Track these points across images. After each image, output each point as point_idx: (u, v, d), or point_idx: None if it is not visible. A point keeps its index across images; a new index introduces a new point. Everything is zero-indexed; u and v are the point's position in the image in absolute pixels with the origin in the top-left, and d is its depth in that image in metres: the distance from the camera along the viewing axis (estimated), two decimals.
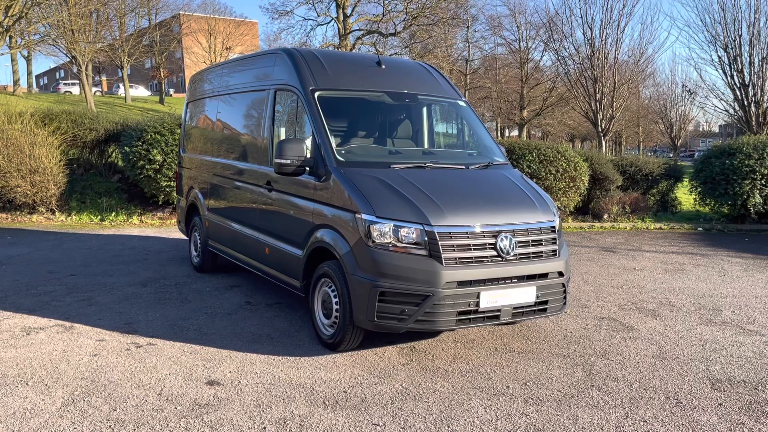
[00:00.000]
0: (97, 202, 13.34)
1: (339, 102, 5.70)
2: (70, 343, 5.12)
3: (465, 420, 3.88)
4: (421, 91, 6.18)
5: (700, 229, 13.37)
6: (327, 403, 4.07)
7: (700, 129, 76.02)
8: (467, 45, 41.85)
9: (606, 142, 28.02)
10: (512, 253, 4.70)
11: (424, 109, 6.46)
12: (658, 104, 45.46)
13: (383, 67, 6.10)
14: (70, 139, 13.56)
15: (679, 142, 45.96)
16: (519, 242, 4.77)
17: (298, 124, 5.65)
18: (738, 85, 22.84)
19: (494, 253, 4.65)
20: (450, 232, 4.56)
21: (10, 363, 4.67)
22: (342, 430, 3.71)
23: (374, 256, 4.51)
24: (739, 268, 8.92)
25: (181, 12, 54.52)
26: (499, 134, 47.39)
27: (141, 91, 58.81)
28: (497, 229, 4.71)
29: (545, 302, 4.90)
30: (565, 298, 5.06)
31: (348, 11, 33.83)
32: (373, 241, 4.53)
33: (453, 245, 4.54)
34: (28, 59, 48.18)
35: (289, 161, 5.13)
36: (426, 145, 6.40)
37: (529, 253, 4.82)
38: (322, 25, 35.99)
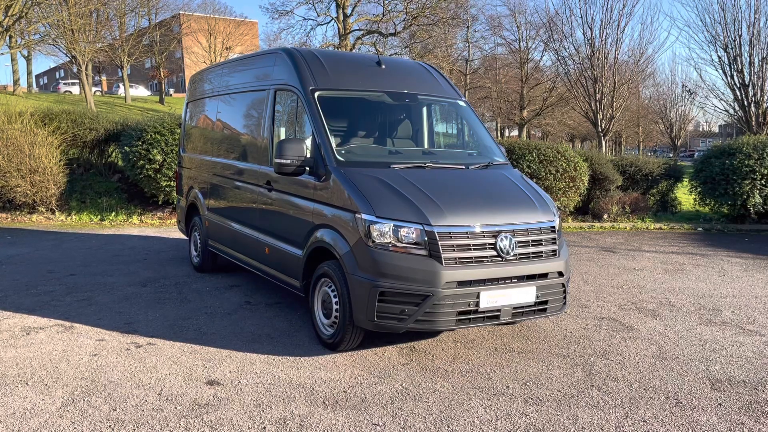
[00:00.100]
0: (96, 201, 13.34)
1: (339, 102, 5.70)
2: (69, 343, 5.12)
3: (465, 420, 3.88)
4: (421, 91, 6.18)
5: (700, 229, 13.37)
6: (327, 403, 4.07)
7: (700, 129, 76.06)
8: (467, 45, 41.89)
9: (606, 142, 28.02)
10: (512, 253, 4.70)
11: (424, 109, 6.46)
12: (658, 104, 45.47)
13: (383, 67, 6.10)
14: (70, 138, 13.56)
15: (679, 142, 45.97)
16: (519, 242, 4.77)
17: (298, 123, 5.65)
18: (738, 85, 22.84)
19: (494, 253, 4.65)
20: (450, 232, 4.56)
21: (9, 363, 4.67)
22: (342, 430, 3.71)
23: (374, 256, 4.51)
24: (739, 268, 8.92)
25: (181, 12, 54.52)
26: (499, 134, 47.40)
27: (141, 91, 58.82)
28: (497, 229, 4.71)
29: (545, 302, 4.90)
30: (565, 298, 5.06)
31: (348, 11, 33.83)
32: (373, 241, 4.53)
33: (453, 245, 4.54)
34: (28, 59, 48.19)
35: (289, 161, 5.13)
36: (426, 145, 6.40)
37: (528, 253, 4.82)
38: (322, 25, 36.03)
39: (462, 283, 4.49)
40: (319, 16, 34.45)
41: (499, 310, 4.64)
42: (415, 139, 6.34)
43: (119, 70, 49.64)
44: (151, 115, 17.01)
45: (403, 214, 4.56)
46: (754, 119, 22.50)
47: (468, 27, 40.90)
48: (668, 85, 44.38)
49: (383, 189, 4.75)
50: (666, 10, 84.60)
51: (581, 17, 27.56)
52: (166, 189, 12.51)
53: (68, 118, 13.69)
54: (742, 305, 6.82)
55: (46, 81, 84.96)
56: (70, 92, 50.99)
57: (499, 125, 47.25)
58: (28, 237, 10.54)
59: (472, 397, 4.22)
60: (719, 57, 23.22)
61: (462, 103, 6.43)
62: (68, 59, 38.95)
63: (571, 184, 13.33)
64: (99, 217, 12.60)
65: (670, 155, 47.37)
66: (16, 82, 44.84)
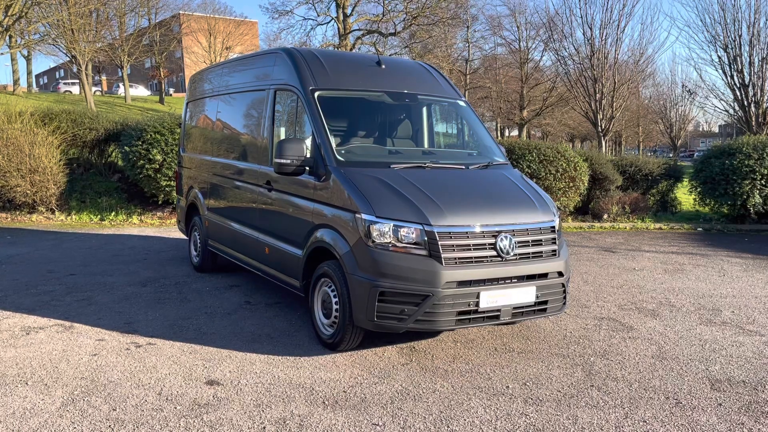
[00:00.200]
0: (96, 201, 13.34)
1: (339, 102, 5.70)
2: (69, 343, 5.12)
3: (465, 420, 3.88)
4: (421, 91, 6.18)
5: (700, 229, 13.37)
6: (327, 402, 4.07)
7: (700, 129, 76.07)
8: (467, 45, 41.89)
9: (606, 142, 28.02)
10: (512, 253, 4.70)
11: (424, 109, 6.46)
12: (658, 104, 45.46)
13: (383, 67, 6.10)
14: (70, 138, 13.56)
15: (679, 142, 45.96)
16: (519, 242, 4.77)
17: (298, 123, 5.65)
18: (738, 85, 22.83)
19: (494, 253, 4.65)
20: (450, 232, 4.56)
21: (9, 363, 4.67)
22: (342, 429, 3.71)
23: (374, 256, 4.51)
24: (738, 268, 8.92)
25: (180, 12, 54.52)
26: (499, 134, 47.40)
27: (141, 91, 58.82)
28: (497, 229, 4.71)
29: (545, 302, 4.90)
30: (564, 298, 5.06)
31: (348, 11, 33.82)
32: (373, 241, 4.53)
33: (453, 245, 4.54)
34: (27, 59, 48.18)
35: (288, 161, 5.13)
36: (426, 145, 6.40)
37: (528, 253, 4.82)
38: (322, 24, 36.02)
39: (462, 283, 4.49)
40: (319, 15, 34.46)
41: (499, 310, 4.64)
42: (415, 139, 6.34)
43: (119, 69, 49.64)
44: (151, 115, 17.01)
45: (403, 214, 4.56)
46: (754, 119, 22.50)
47: (468, 27, 40.93)
48: (668, 85, 44.43)
49: (383, 189, 4.75)
50: (666, 10, 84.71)
51: (581, 17, 27.60)
52: (166, 189, 12.51)
53: (68, 118, 13.68)
54: (741, 305, 6.82)
55: (46, 81, 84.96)
56: (70, 92, 50.99)
57: (499, 125, 47.25)
58: (28, 237, 10.54)
59: (471, 397, 4.22)
60: (719, 57, 23.24)
61: (462, 103, 6.43)
62: (68, 59, 38.95)
63: (571, 184, 13.33)
64: (99, 216, 12.60)
65: (670, 155, 47.36)
66: (16, 82, 44.84)
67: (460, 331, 5.60)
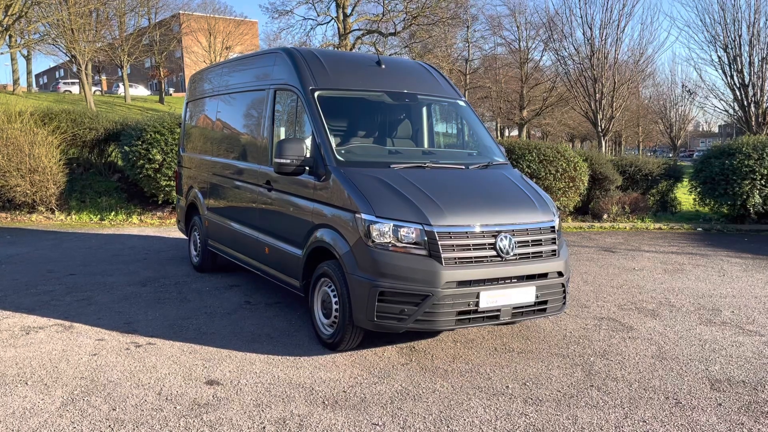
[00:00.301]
0: (96, 201, 13.34)
1: (339, 102, 5.70)
2: (69, 343, 5.12)
3: (464, 420, 3.88)
4: (421, 90, 6.18)
5: (700, 229, 13.37)
6: (326, 402, 4.07)
7: (700, 129, 76.07)
8: (467, 45, 41.88)
9: (606, 142, 28.02)
10: (512, 253, 4.70)
11: (424, 109, 6.46)
12: (658, 104, 45.45)
13: (383, 66, 6.10)
14: (70, 138, 13.56)
15: (679, 142, 45.95)
16: (518, 242, 4.77)
17: (297, 123, 5.65)
18: (738, 85, 22.83)
19: (494, 253, 4.65)
20: (450, 232, 4.56)
21: (9, 362, 4.67)
22: (341, 429, 3.71)
23: (374, 256, 4.51)
24: (738, 269, 8.92)
25: (180, 11, 54.49)
26: (498, 134, 47.41)
27: (141, 91, 58.81)
28: (497, 229, 4.71)
29: (545, 302, 4.90)
30: (564, 298, 5.06)
31: (348, 11, 33.81)
32: (373, 241, 4.53)
33: (453, 245, 4.54)
34: (27, 58, 48.18)
35: (288, 161, 5.13)
36: (426, 145, 6.40)
37: (528, 253, 4.82)
38: (322, 24, 35.99)
39: (462, 283, 4.49)
40: (319, 15, 34.44)
41: (498, 310, 4.64)
42: (414, 138, 6.34)
43: (119, 69, 49.63)
44: (151, 115, 17.01)
45: (403, 214, 4.56)
46: (753, 119, 22.50)
47: (468, 27, 40.92)
48: (668, 85, 44.41)
49: (383, 189, 4.75)
50: (666, 10, 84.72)
51: (581, 17, 27.60)
52: (166, 188, 12.51)
53: (68, 118, 13.68)
54: (741, 305, 6.82)
55: (45, 80, 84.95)
56: (70, 92, 50.98)
57: (499, 125, 47.25)
58: (28, 236, 10.54)
59: (471, 397, 4.22)
60: (719, 57, 23.24)
61: (462, 103, 6.43)
62: (68, 59, 38.94)
63: (571, 184, 13.33)
64: (99, 216, 12.60)
65: (670, 155, 47.36)
66: (15, 82, 44.83)
67: (460, 331, 5.60)
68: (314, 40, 37.85)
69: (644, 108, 48.30)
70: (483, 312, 4.59)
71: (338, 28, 33.87)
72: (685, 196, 15.50)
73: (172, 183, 12.17)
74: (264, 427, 3.72)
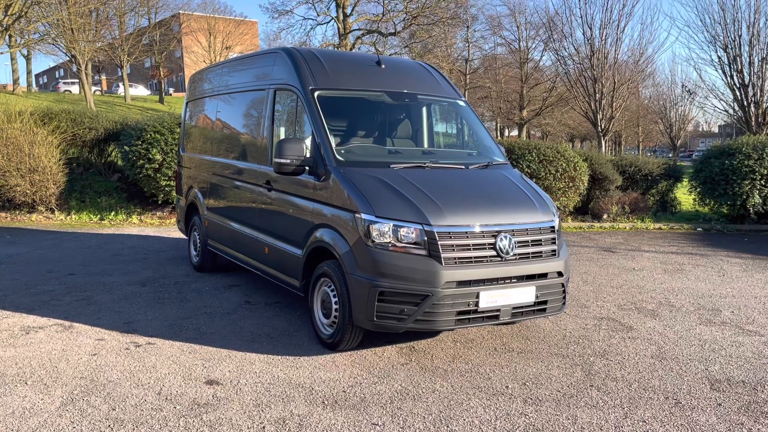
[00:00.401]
0: (96, 201, 13.34)
1: (339, 101, 5.70)
2: (69, 343, 5.12)
3: (464, 420, 3.88)
4: (421, 90, 6.18)
5: (700, 229, 13.38)
6: (326, 402, 4.07)
7: (700, 129, 76.04)
8: (467, 45, 41.88)
9: (605, 142, 28.02)
10: (512, 253, 4.70)
11: (424, 109, 6.46)
12: (658, 104, 45.42)
13: (383, 66, 6.09)
14: (70, 138, 13.56)
15: (679, 142, 45.92)
16: (518, 242, 4.77)
17: (297, 123, 5.65)
18: (737, 85, 22.83)
19: (494, 253, 4.65)
20: (449, 232, 4.56)
21: (9, 362, 4.67)
22: (341, 429, 3.71)
23: (374, 256, 4.51)
24: (738, 269, 8.92)
25: (180, 11, 54.47)
26: (498, 134, 47.41)
27: (140, 91, 58.78)
28: (497, 229, 4.71)
29: (544, 302, 4.90)
30: (564, 298, 5.06)
31: (348, 11, 33.81)
32: (373, 241, 4.53)
33: (452, 245, 4.54)
34: (27, 58, 48.16)
35: (288, 161, 5.13)
36: (426, 145, 6.40)
37: (528, 253, 4.82)
38: (321, 24, 35.99)
39: (461, 283, 4.49)
40: (318, 15, 34.44)
41: (498, 310, 4.64)
42: (414, 138, 6.34)
43: (119, 69, 49.61)
44: (151, 115, 17.01)
45: (403, 213, 4.56)
46: (753, 119, 22.49)
47: (468, 27, 40.92)
48: (668, 85, 44.35)
49: (383, 189, 4.75)
50: (666, 10, 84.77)
51: (581, 17, 27.58)
52: (166, 188, 12.51)
53: (68, 118, 13.68)
54: (741, 305, 6.82)
55: (45, 80, 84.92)
56: (70, 91, 50.97)
57: (498, 125, 47.25)
58: (28, 236, 10.53)
59: (471, 396, 4.22)
60: (719, 57, 23.21)
61: (462, 103, 6.43)
62: (68, 58, 38.93)
63: (571, 184, 13.33)
64: (98, 216, 12.60)
65: (670, 155, 47.35)
66: (15, 82, 44.81)
67: (460, 331, 5.60)
68: (314, 40, 37.90)
69: (644, 108, 48.29)
70: (483, 312, 4.59)
71: (338, 28, 33.87)
72: (684, 196, 15.50)
73: (172, 183, 12.17)
74: (264, 427, 3.72)
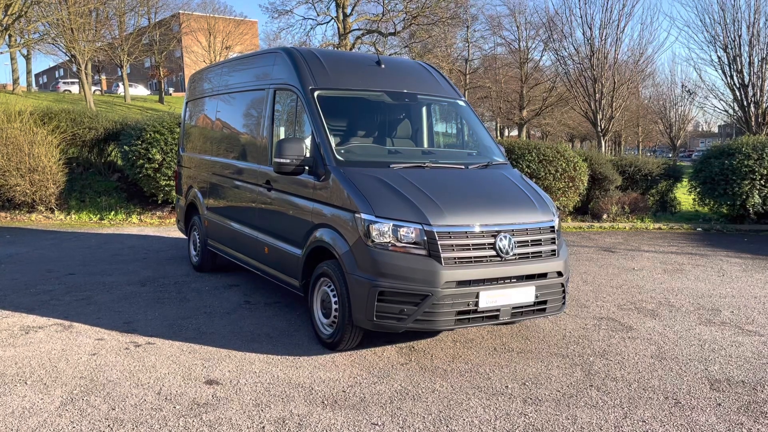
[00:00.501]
0: (96, 201, 13.34)
1: (338, 101, 5.70)
2: (68, 342, 5.12)
3: (464, 420, 3.88)
4: (421, 90, 6.18)
5: (699, 229, 13.38)
6: (326, 402, 4.07)
7: (700, 129, 76.05)
8: (467, 45, 41.88)
9: (605, 142, 28.01)
10: (511, 253, 4.70)
11: (424, 109, 6.46)
12: (658, 104, 45.43)
13: (383, 66, 6.09)
14: (70, 137, 13.55)
15: (679, 142, 45.93)
16: (518, 242, 4.77)
17: (297, 123, 5.65)
18: (737, 85, 22.82)
19: (493, 252, 4.65)
20: (449, 232, 4.56)
21: (8, 362, 4.67)
22: (341, 429, 3.71)
23: (373, 256, 4.51)
24: (738, 269, 8.93)
25: (180, 11, 54.45)
26: (498, 134, 47.41)
27: (140, 90, 58.76)
28: (496, 228, 4.71)
29: (544, 302, 4.90)
30: (564, 298, 5.06)
31: (348, 10, 33.80)
32: (373, 241, 4.53)
33: (452, 245, 4.54)
34: (27, 58, 48.12)
35: (288, 160, 5.13)
36: (425, 145, 6.40)
37: (528, 253, 4.82)
38: (321, 24, 35.97)
39: (461, 283, 4.49)
40: (318, 15, 34.43)
41: (498, 310, 4.64)
42: (414, 138, 6.34)
43: (119, 69, 49.57)
44: (151, 115, 17.01)
45: (403, 213, 4.56)
46: (753, 119, 22.49)
47: (468, 27, 40.93)
48: (668, 85, 44.36)
49: (383, 189, 4.75)
50: (666, 10, 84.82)
51: (581, 17, 27.52)
52: (166, 188, 12.51)
53: (68, 117, 13.68)
54: (741, 305, 6.83)
55: (45, 80, 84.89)
56: (70, 91, 50.95)
57: (498, 125, 47.25)
58: (27, 236, 10.53)
59: (471, 396, 4.22)
60: (719, 57, 23.21)
61: (461, 103, 6.43)
62: (68, 58, 38.90)
63: (571, 184, 13.34)
64: (98, 216, 12.59)
65: (670, 155, 47.36)
66: (15, 81, 44.79)
67: (460, 331, 5.60)
68: (314, 40, 37.89)
69: (644, 108, 48.30)
70: (482, 312, 4.59)
71: (338, 28, 33.87)
72: (684, 196, 15.50)
73: (172, 183, 12.16)
74: (263, 427, 3.72)
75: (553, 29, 29.76)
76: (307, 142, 5.24)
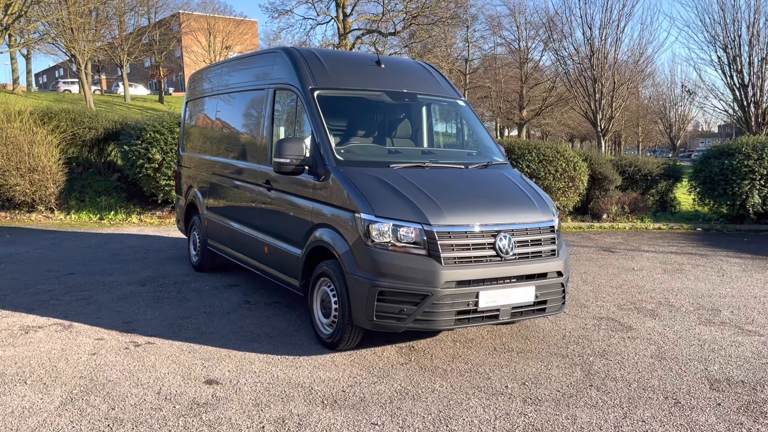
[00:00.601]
0: (96, 200, 13.33)
1: (338, 101, 5.70)
2: (68, 342, 5.12)
3: (463, 419, 3.88)
4: (421, 90, 6.18)
5: (699, 229, 13.38)
6: (326, 402, 4.07)
7: (700, 129, 76.05)
8: (467, 45, 41.88)
9: (605, 142, 28.01)
10: (511, 253, 4.70)
11: (424, 109, 6.46)
12: (658, 104, 45.43)
13: (383, 66, 6.09)
14: (70, 137, 13.56)
15: (679, 142, 45.93)
16: (518, 242, 4.77)
17: (297, 123, 5.65)
18: (737, 85, 22.83)
19: (493, 252, 4.65)
20: (449, 232, 4.56)
21: (8, 362, 4.67)
22: (341, 429, 3.71)
23: (373, 256, 4.51)
24: (737, 269, 8.93)
25: (180, 11, 54.45)
26: (498, 134, 47.41)
27: (140, 90, 58.76)
28: (496, 228, 4.71)
29: (544, 302, 4.90)
30: (563, 297, 5.06)
31: (348, 10, 33.80)
32: (372, 241, 4.53)
33: (452, 245, 4.54)
34: (27, 58, 48.12)
35: (288, 160, 5.13)
36: (425, 145, 6.40)
37: (528, 253, 4.82)
38: (321, 24, 35.96)
39: (461, 283, 4.49)
40: (318, 15, 34.43)
41: (498, 310, 4.64)
42: (414, 138, 6.34)
43: (119, 69, 49.58)
44: (151, 114, 17.01)
45: (403, 213, 4.56)
46: (753, 119, 22.49)
47: (468, 27, 40.93)
48: (668, 85, 44.35)
49: (382, 188, 4.75)
50: (666, 10, 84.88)
51: (581, 17, 27.51)
52: (166, 188, 12.51)
53: (67, 117, 13.69)
54: (740, 305, 6.83)
55: (45, 80, 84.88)
56: (70, 91, 50.94)
57: (498, 125, 47.25)
58: (27, 236, 10.53)
59: (470, 396, 4.22)
60: (719, 57, 23.21)
61: (461, 103, 6.43)
62: (68, 58, 38.91)
63: (571, 184, 13.34)
64: (98, 216, 12.59)
65: (669, 155, 47.35)
66: (15, 81, 44.79)
67: (459, 331, 5.60)
68: (314, 40, 37.85)
69: (644, 108, 48.30)
70: (482, 312, 4.59)
71: (338, 28, 33.87)
72: (684, 196, 15.50)
73: (172, 182, 12.16)
74: (263, 427, 3.72)
75: (553, 29, 29.77)
76: (307, 141, 5.24)
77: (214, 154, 7.34)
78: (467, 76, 40.26)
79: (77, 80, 45.96)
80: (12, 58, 44.15)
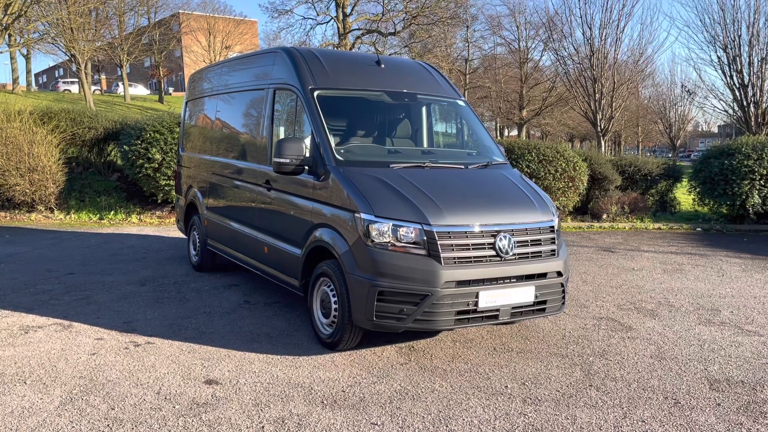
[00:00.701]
0: (96, 200, 13.33)
1: (338, 101, 5.70)
2: (68, 342, 5.12)
3: (463, 419, 3.88)
4: (421, 90, 6.18)
5: (699, 229, 13.38)
6: (325, 402, 4.07)
7: (699, 129, 76.06)
8: (467, 45, 41.89)
9: (605, 142, 28.01)
10: (511, 253, 4.70)
11: (424, 109, 6.46)
12: (658, 104, 45.44)
13: (382, 66, 6.09)
14: (69, 137, 13.56)
15: (678, 142, 45.94)
16: (518, 242, 4.77)
17: (297, 123, 5.65)
18: (737, 85, 22.83)
19: (493, 252, 4.65)
20: (449, 232, 4.56)
21: (8, 361, 4.67)
22: (340, 429, 3.71)
23: (373, 256, 4.51)
24: (737, 269, 8.93)
25: (180, 11, 54.44)
26: (498, 134, 47.41)
27: (140, 90, 58.74)
28: (496, 228, 4.71)
29: (544, 302, 4.90)
30: (563, 298, 5.06)
31: (347, 10, 33.80)
32: (372, 241, 4.53)
33: (452, 245, 4.54)
34: (27, 57, 48.10)
35: (288, 160, 5.13)
36: (425, 145, 6.40)
37: (527, 253, 4.82)
38: (321, 24, 35.96)
39: (461, 283, 4.49)
40: (318, 15, 34.43)
41: (497, 310, 4.64)
42: (414, 138, 6.34)
43: (118, 68, 49.56)
44: (151, 114, 17.00)
45: (402, 213, 4.56)
46: (753, 119, 22.50)
47: (468, 27, 40.95)
48: (668, 85, 44.37)
49: (382, 188, 4.75)
50: (666, 10, 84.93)
51: (581, 17, 27.50)
52: (165, 188, 12.51)
53: (67, 117, 13.69)
54: (740, 305, 6.83)
55: (45, 79, 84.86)
56: (70, 91, 50.92)
57: (498, 125, 47.26)
58: (27, 236, 10.53)
59: (470, 396, 4.22)
60: (718, 57, 23.22)
61: (461, 103, 6.43)
62: (67, 58, 38.89)
63: (570, 184, 13.34)
64: (98, 215, 12.59)
65: (669, 155, 47.36)
66: (15, 81, 44.77)
67: (459, 331, 5.60)
68: (314, 40, 37.85)
69: (644, 108, 48.31)
70: (482, 312, 4.59)
71: (338, 28, 33.87)
72: (684, 196, 15.50)
73: (172, 182, 12.16)
74: (263, 427, 3.72)
75: (553, 29, 29.77)
76: (307, 141, 5.24)
77: (214, 154, 7.34)
78: (467, 76, 40.27)
79: (77, 80, 45.95)
80: (12, 58, 44.15)
